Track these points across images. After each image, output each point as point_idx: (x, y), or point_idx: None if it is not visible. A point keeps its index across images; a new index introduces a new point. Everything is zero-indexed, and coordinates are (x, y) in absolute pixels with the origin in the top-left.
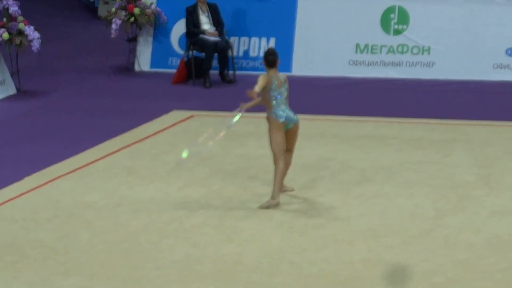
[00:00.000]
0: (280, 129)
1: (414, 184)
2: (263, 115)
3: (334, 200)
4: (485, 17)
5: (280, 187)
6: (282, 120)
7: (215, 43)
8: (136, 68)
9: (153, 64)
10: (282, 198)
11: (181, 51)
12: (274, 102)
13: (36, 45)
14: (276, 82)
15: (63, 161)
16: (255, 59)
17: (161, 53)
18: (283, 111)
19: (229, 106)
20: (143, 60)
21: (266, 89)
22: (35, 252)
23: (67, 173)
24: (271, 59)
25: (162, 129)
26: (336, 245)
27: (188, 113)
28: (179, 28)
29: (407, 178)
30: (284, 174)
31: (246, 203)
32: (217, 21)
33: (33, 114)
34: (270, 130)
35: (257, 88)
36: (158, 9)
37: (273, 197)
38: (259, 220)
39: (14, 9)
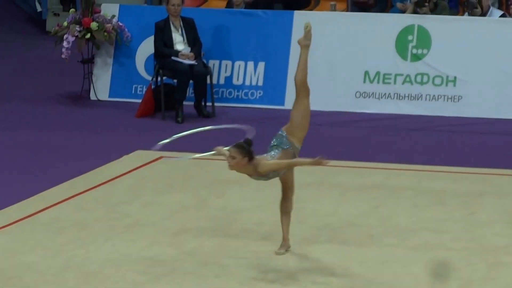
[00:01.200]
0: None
1: (433, 247)
2: None
3: (334, 265)
4: None
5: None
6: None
7: (190, 68)
8: (92, 96)
9: (112, 92)
10: (273, 262)
11: (148, 77)
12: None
13: None
14: None
15: None
16: (239, 88)
17: (122, 79)
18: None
19: (206, 146)
20: (101, 87)
21: None
22: None
23: (2, 227)
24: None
25: (123, 173)
26: None
27: (155, 154)
28: (145, 48)
29: (425, 240)
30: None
31: (225, 268)
32: (193, 40)
33: None
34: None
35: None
36: (120, 23)
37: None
38: None
39: None
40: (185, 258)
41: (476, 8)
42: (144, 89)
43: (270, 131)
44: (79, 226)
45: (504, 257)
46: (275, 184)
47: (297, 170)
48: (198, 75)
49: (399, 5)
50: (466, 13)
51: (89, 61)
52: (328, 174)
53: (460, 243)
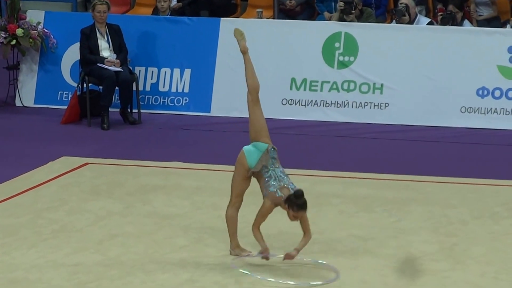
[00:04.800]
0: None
1: (359, 254)
2: (172, 164)
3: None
4: (452, 49)
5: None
6: None
7: (116, 74)
8: (17, 103)
9: (38, 98)
10: (200, 268)
11: (73, 83)
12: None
13: None
14: None
15: None
16: (165, 94)
17: (48, 85)
18: None
19: (133, 153)
20: (26, 94)
21: None
22: None
23: None
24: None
25: (49, 179)
26: None
27: (81, 160)
28: (71, 55)
29: (351, 247)
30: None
31: (151, 274)
32: (119, 47)
33: None
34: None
35: None
36: (46, 30)
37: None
38: None
39: None
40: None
41: (405, 16)
42: (70, 96)
43: (196, 138)
44: (5, 232)
45: (431, 264)
46: (203, 191)
47: (220, 177)
48: (124, 81)
49: (326, 14)
50: (394, 21)
51: (15, 68)
52: (254, 180)
53: (387, 250)
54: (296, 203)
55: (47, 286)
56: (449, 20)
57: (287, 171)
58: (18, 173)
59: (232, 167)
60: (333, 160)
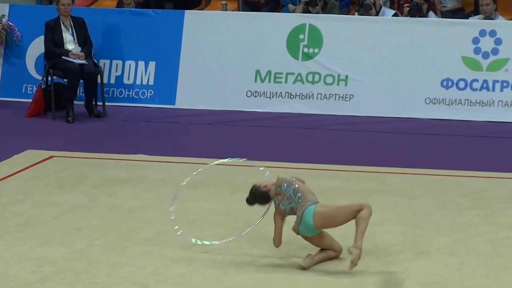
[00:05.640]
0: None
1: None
2: (136, 157)
3: (226, 263)
4: (417, 40)
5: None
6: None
7: (80, 67)
8: None
9: (2, 91)
10: (164, 260)
11: (38, 76)
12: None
13: None
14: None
15: None
16: (130, 87)
17: (13, 78)
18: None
19: (98, 145)
20: None
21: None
22: None
23: None
24: None
25: (13, 173)
26: None
27: (45, 153)
28: (36, 48)
29: None
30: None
31: (116, 266)
32: (83, 40)
33: None
34: None
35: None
36: (11, 23)
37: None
38: None
39: None
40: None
41: (372, 9)
42: (35, 89)
43: (161, 130)
44: None
45: (395, 255)
46: (168, 183)
47: (185, 168)
48: (89, 74)
49: (290, 6)
50: (356, 13)
51: None
52: (219, 173)
53: (351, 242)
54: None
55: (13, 279)
56: (417, 11)
57: (251, 163)
58: None
59: (197, 159)
60: (297, 152)
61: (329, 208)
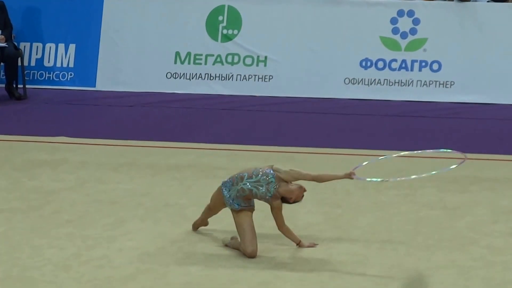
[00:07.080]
0: None
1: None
2: (57, 139)
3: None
4: (336, 21)
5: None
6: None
7: (0, 50)
8: None
9: None
10: (87, 242)
11: None
12: None
13: None
14: None
15: None
16: (50, 70)
17: None
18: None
19: (19, 128)
20: None
21: None
22: None
23: None
24: None
25: None
26: None
27: None
28: None
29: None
30: None
31: (38, 249)
32: (3, 23)
33: None
34: None
35: None
36: None
37: None
38: (57, 272)
39: None
40: None
41: None
42: None
43: (82, 112)
44: None
45: (317, 234)
46: (89, 165)
47: (105, 151)
48: (9, 57)
49: None
50: None
51: None
52: (140, 154)
53: (269, 222)
54: None
55: None
56: None
57: (172, 144)
58: None
59: (118, 141)
60: (217, 133)
61: None
